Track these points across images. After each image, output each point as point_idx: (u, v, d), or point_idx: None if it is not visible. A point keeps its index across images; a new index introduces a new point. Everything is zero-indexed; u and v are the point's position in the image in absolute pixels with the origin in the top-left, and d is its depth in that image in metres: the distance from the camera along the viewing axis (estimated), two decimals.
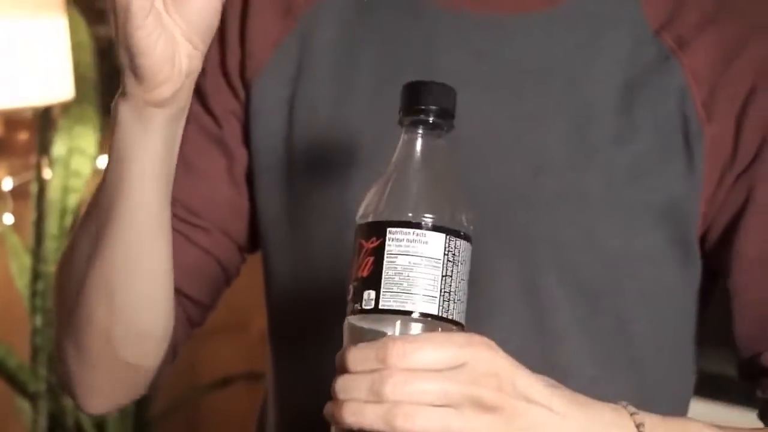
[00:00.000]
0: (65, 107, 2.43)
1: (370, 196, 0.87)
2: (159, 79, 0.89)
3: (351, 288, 0.85)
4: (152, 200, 0.96)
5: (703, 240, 1.05)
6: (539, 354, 1.02)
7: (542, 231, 1.02)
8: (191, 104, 0.95)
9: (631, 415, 0.89)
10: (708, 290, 1.08)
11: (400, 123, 0.88)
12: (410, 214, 0.85)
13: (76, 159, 2.49)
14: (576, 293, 1.03)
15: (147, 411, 2.63)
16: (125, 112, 0.92)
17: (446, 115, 0.88)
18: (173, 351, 1.09)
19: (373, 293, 0.83)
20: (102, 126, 2.52)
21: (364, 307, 0.84)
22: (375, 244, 0.84)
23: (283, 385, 1.14)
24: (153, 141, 0.93)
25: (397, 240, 0.84)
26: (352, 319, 0.85)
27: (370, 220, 0.86)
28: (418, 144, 0.87)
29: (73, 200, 2.50)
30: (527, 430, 0.83)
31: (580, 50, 1.05)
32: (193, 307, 1.11)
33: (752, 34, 1.04)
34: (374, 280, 0.84)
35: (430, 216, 0.84)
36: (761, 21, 1.06)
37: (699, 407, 1.15)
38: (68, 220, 2.49)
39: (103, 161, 2.59)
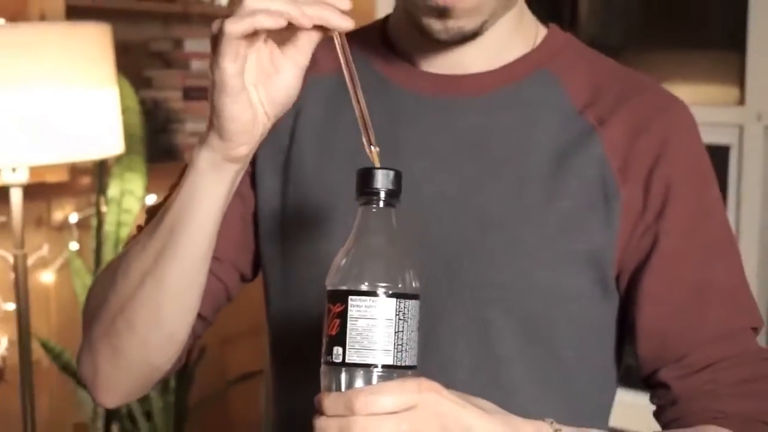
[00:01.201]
0: (118, 158, 2.43)
1: (335, 266, 0.87)
2: (240, 141, 0.89)
3: (324, 341, 0.86)
4: (209, 236, 0.95)
5: (617, 279, 1.05)
6: (488, 376, 1.03)
7: (487, 275, 1.01)
8: None
9: (555, 431, 0.89)
10: (625, 319, 1.08)
11: (357, 201, 0.87)
12: (366, 284, 0.85)
13: (127, 199, 2.50)
14: (517, 325, 1.02)
15: (185, 401, 2.62)
16: (204, 160, 0.91)
17: (393, 195, 0.87)
18: (184, 356, 1.09)
19: (340, 349, 0.84)
20: (147, 172, 2.53)
21: (334, 360, 0.84)
22: (340, 308, 0.84)
23: (280, 391, 1.14)
24: (222, 188, 0.92)
25: (357, 306, 0.84)
26: (325, 369, 0.86)
27: (335, 288, 0.86)
28: (371, 220, 0.87)
29: (124, 232, 2.50)
30: None
31: (517, 127, 1.05)
32: (200, 322, 1.10)
33: (656, 113, 1.05)
34: (340, 339, 0.84)
35: (383, 285, 0.85)
36: (662, 102, 1.07)
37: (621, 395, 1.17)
38: (120, 248, 2.41)
39: (150, 200, 2.62)
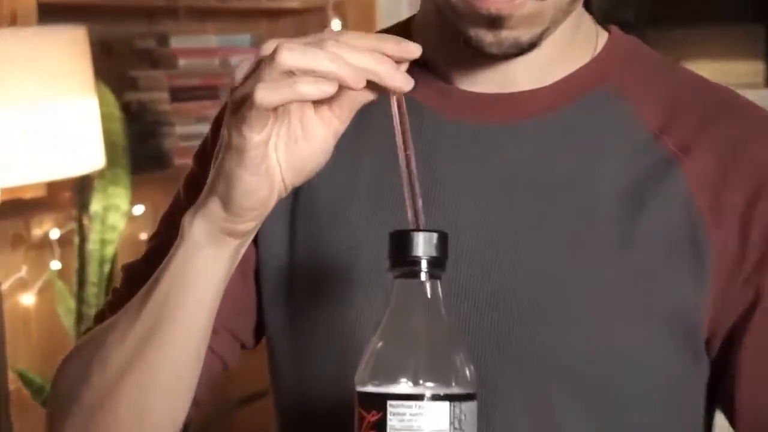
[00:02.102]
0: (100, 172, 2.35)
1: (367, 357, 0.74)
2: (249, 217, 0.81)
3: None
4: (205, 323, 0.86)
5: (707, 343, 0.92)
6: None
7: (549, 344, 0.90)
8: None
9: None
10: (715, 387, 0.95)
11: (391, 272, 0.75)
12: (410, 384, 0.71)
13: (111, 215, 2.41)
14: (587, 404, 0.90)
15: (188, 425, 2.51)
16: (200, 232, 0.81)
17: (438, 264, 0.74)
18: None
19: None
20: (133, 184, 2.46)
21: None
22: (376, 417, 0.71)
23: None
24: (221, 266, 0.83)
25: (398, 414, 0.70)
26: None
27: (369, 389, 0.72)
28: (412, 297, 0.74)
29: (109, 251, 2.41)
30: None
31: (579, 157, 0.93)
32: (192, 407, 0.97)
33: (752, 138, 0.92)
34: None
35: (431, 384, 0.71)
36: (759, 122, 0.94)
37: None
38: (106, 268, 2.41)
39: (136, 211, 2.54)
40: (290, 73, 0.74)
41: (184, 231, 0.82)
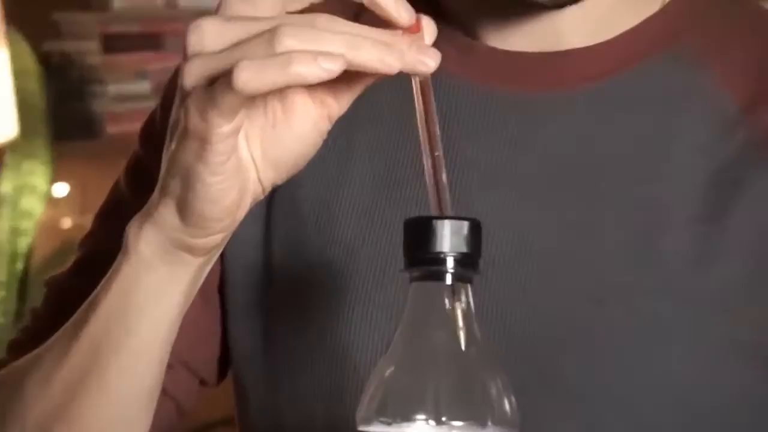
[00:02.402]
0: (13, 143, 2.36)
1: (373, 388, 0.71)
2: (214, 229, 0.77)
3: None
4: (157, 359, 0.83)
5: None
6: None
7: (605, 378, 0.89)
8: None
9: None
10: None
11: (406, 272, 0.72)
12: (432, 423, 0.68)
13: (26, 198, 2.43)
14: None
15: None
16: (150, 247, 0.78)
17: (469, 264, 0.72)
18: None
19: None
20: (52, 158, 2.46)
21: None
22: None
23: None
24: (176, 291, 0.80)
25: None
26: None
27: (376, 430, 0.69)
28: (434, 307, 0.72)
29: (23, 243, 2.42)
30: None
31: (643, 138, 0.92)
32: None
33: None
34: None
35: (459, 424, 0.68)
36: None
37: None
38: (18, 266, 2.42)
39: (58, 191, 2.56)
40: (290, 58, 0.71)
41: (128, 244, 0.78)
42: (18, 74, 2.27)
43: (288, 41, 0.70)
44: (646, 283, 0.89)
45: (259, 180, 0.78)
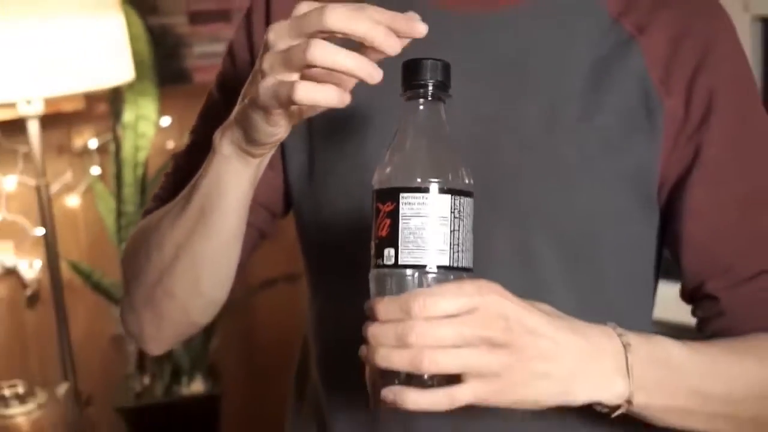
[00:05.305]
0: (131, 85, 2.31)
1: (382, 165, 0.76)
2: (267, 147, 0.81)
3: (373, 245, 0.75)
4: (240, 215, 0.86)
5: (658, 193, 0.92)
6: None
7: (529, 201, 0.87)
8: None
9: (619, 335, 0.80)
10: (665, 233, 0.95)
11: (403, 96, 0.76)
12: (419, 180, 0.74)
13: (142, 124, 2.38)
14: (560, 251, 0.88)
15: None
16: (228, 149, 0.82)
17: (442, 87, 0.76)
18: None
19: (392, 251, 0.74)
20: (159, 97, 2.41)
21: (385, 263, 0.74)
22: (390, 208, 0.74)
23: (320, 320, 0.99)
24: (247, 175, 0.84)
25: (409, 204, 0.74)
26: (376, 273, 0.75)
27: (384, 186, 0.75)
28: (420, 115, 0.76)
29: (142, 155, 2.38)
30: (534, 359, 0.75)
31: (550, 39, 0.90)
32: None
33: (697, 16, 0.90)
34: (392, 240, 0.74)
35: (436, 180, 0.74)
36: (702, 5, 0.92)
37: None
38: (139, 171, 2.39)
39: (164, 122, 2.53)
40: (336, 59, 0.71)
41: (215, 146, 0.82)
42: (132, 37, 2.24)
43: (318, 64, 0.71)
44: (554, 137, 0.88)
45: (301, 117, 0.80)
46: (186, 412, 2.48)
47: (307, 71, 0.73)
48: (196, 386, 2.51)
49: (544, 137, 0.88)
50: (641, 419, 0.83)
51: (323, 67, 0.71)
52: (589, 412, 0.81)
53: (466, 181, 0.75)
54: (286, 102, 0.72)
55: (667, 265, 0.97)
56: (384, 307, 0.72)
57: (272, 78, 0.73)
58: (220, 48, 2.67)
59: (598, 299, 0.89)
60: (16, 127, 2.22)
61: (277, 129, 0.77)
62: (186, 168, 0.95)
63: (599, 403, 0.79)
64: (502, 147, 0.88)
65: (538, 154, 0.88)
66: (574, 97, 0.88)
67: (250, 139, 0.79)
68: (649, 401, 0.80)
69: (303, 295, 1.02)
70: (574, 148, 0.88)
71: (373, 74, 0.72)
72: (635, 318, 0.88)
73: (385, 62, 0.74)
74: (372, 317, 0.73)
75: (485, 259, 0.83)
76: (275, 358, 2.70)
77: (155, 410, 2.46)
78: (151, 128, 2.38)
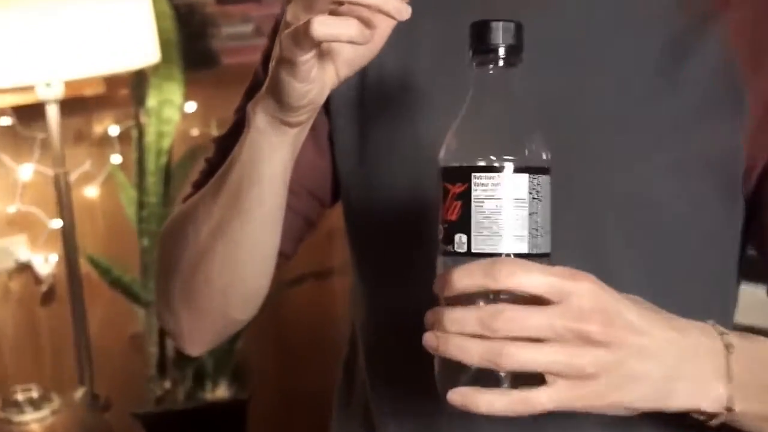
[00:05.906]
0: (155, 67, 2.26)
1: (450, 137, 0.71)
2: (302, 112, 0.78)
3: (441, 229, 0.70)
4: (278, 194, 0.84)
5: (743, 181, 0.86)
6: None
7: (600, 182, 0.83)
8: None
9: (720, 335, 0.75)
10: (748, 225, 0.89)
11: (472, 62, 0.71)
12: (493, 158, 0.68)
13: (166, 109, 2.32)
14: (629, 237, 0.84)
15: None
16: (262, 121, 0.80)
17: (515, 50, 0.71)
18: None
19: (464, 237, 0.69)
20: (185, 81, 2.36)
21: (457, 249, 0.69)
22: (461, 188, 0.68)
23: (370, 290, 0.96)
24: (284, 149, 0.81)
25: (482, 185, 0.68)
26: (446, 260, 0.70)
27: (454, 164, 0.70)
28: (491, 83, 0.71)
29: (166, 142, 2.33)
30: (631, 358, 0.69)
31: (625, 11, 0.86)
32: (281, 259, 0.96)
33: None
34: (464, 224, 0.69)
35: (512, 157, 0.68)
36: None
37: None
38: (163, 159, 2.33)
39: (189, 108, 2.47)
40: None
41: (249, 119, 0.81)
42: (157, 17, 2.17)
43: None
44: (623, 117, 0.84)
45: (337, 75, 0.77)
46: (210, 418, 2.45)
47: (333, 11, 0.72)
48: (221, 391, 2.48)
49: (615, 116, 0.84)
50: (737, 428, 0.77)
51: (349, 3, 0.70)
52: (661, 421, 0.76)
53: (544, 156, 0.70)
54: (307, 43, 0.70)
55: (749, 265, 0.92)
56: (462, 272, 0.66)
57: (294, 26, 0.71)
58: (250, 29, 2.62)
59: (673, 296, 0.81)
60: (33, 112, 2.19)
61: (308, 86, 0.75)
62: (230, 150, 0.91)
63: (697, 410, 0.73)
64: (571, 126, 0.84)
65: (608, 135, 0.84)
66: (648, 73, 0.84)
67: (283, 105, 0.77)
68: (750, 408, 0.75)
69: (333, 293, 1.00)
70: (647, 128, 0.83)
71: (402, 10, 0.71)
72: (715, 319, 0.80)
73: (444, 27, 0.73)
74: (446, 288, 0.68)
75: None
76: (305, 360, 2.67)
77: (177, 417, 2.43)
78: (176, 114, 2.33)
